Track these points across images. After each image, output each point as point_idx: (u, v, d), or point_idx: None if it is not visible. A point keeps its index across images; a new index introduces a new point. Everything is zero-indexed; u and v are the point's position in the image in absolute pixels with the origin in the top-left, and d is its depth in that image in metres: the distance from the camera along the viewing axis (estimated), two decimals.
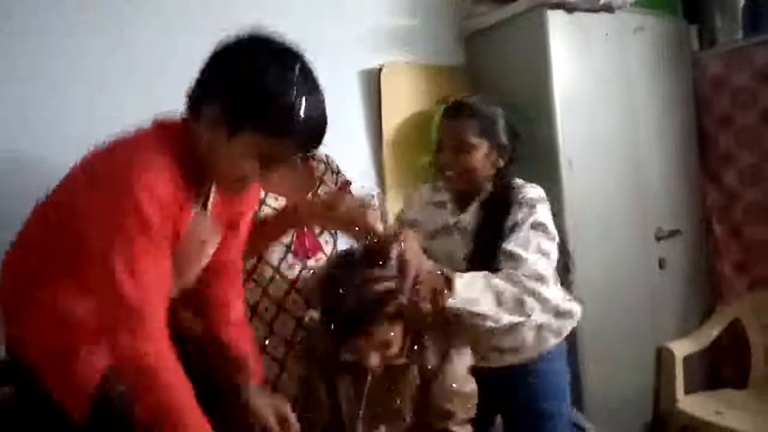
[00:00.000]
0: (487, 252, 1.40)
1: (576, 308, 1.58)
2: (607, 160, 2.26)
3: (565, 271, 2.09)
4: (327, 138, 2.16)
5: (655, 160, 2.43)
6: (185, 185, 1.00)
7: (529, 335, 1.48)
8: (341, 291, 1.19)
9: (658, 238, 2.41)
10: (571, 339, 2.08)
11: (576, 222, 2.12)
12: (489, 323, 1.29)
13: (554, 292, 1.44)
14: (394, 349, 1.24)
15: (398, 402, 1.29)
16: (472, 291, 1.26)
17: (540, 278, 1.33)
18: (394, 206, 2.13)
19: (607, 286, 2.21)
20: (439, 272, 1.26)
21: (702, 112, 2.61)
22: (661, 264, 2.42)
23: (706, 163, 2.62)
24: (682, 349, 2.37)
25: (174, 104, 1.06)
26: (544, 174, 2.13)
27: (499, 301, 1.29)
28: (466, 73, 2.44)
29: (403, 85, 2.23)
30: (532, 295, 1.31)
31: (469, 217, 1.50)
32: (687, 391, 2.34)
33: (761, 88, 2.42)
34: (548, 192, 2.08)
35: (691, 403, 2.29)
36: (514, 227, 1.39)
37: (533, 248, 1.35)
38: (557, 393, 1.55)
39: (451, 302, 1.23)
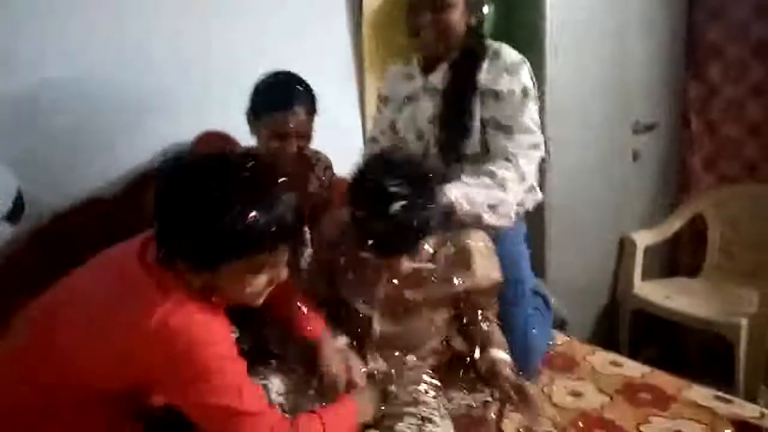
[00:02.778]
0: (455, 110, 1.42)
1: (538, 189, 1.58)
2: (593, 50, 2.20)
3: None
4: (304, 18, 2.07)
5: (642, 52, 2.37)
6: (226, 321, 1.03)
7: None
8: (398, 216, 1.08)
9: (635, 131, 2.43)
10: (539, 222, 2.17)
11: (557, 109, 2.10)
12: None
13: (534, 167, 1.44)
14: (423, 257, 1.23)
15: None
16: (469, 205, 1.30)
17: (535, 146, 1.40)
18: (373, 87, 2.08)
19: (580, 175, 2.24)
20: None
21: (694, 2, 2.51)
22: (635, 156, 2.45)
23: (692, 56, 2.57)
24: (643, 239, 2.48)
25: None
26: (528, 60, 2.08)
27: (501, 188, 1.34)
28: None
29: None
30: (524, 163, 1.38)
31: (437, 78, 1.48)
32: (644, 278, 2.48)
33: None
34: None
35: (645, 289, 2.44)
36: (501, 96, 1.39)
37: (528, 118, 1.40)
38: (519, 272, 1.60)
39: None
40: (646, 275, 2.50)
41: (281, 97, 1.41)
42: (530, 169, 1.39)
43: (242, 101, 1.51)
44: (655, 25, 2.40)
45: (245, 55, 1.84)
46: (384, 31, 2.13)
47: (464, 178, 1.35)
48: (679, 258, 2.77)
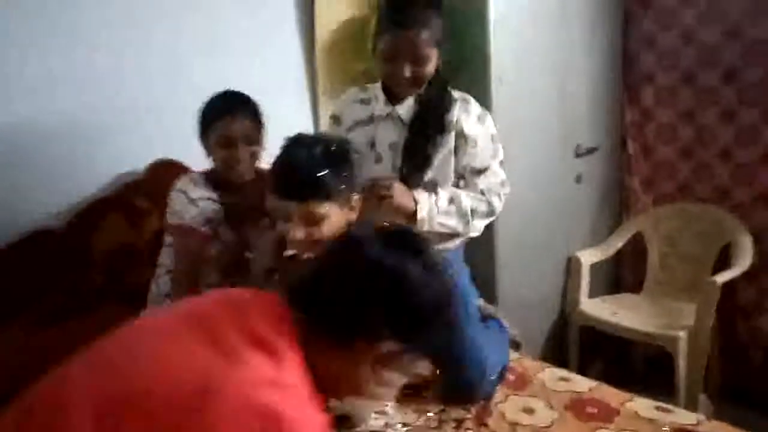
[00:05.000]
0: (420, 142, 1.54)
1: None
2: (536, 78, 2.31)
3: None
4: (256, 40, 2.09)
5: (582, 79, 2.51)
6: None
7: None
8: (295, 158, 1.28)
9: (577, 155, 2.55)
10: (490, 242, 2.25)
11: (503, 135, 2.16)
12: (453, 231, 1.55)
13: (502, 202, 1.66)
14: (324, 233, 1.29)
15: None
16: (439, 216, 1.49)
17: (503, 183, 1.63)
18: (327, 112, 2.12)
19: (526, 198, 2.33)
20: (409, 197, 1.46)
21: (628, 31, 2.68)
22: (578, 179, 2.57)
23: (628, 82, 2.73)
24: (589, 257, 2.59)
25: None
26: (474, 88, 2.16)
27: (465, 219, 1.54)
28: None
29: None
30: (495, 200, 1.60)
31: (404, 109, 1.57)
32: (591, 295, 2.58)
33: (683, 9, 2.50)
34: None
35: (591, 306, 2.54)
36: (475, 143, 1.56)
37: (498, 161, 1.63)
38: (463, 288, 1.67)
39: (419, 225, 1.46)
40: (593, 292, 2.60)
41: (223, 104, 1.52)
42: (499, 205, 1.61)
43: (194, 126, 1.53)
44: (593, 54, 2.54)
45: (197, 80, 1.85)
46: (337, 56, 2.18)
47: (439, 201, 1.50)
48: (622, 275, 2.89)
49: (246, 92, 1.57)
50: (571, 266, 2.59)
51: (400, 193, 1.44)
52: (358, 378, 0.88)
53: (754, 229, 2.39)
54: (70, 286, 1.57)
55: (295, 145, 1.32)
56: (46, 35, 1.60)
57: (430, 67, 1.48)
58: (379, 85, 1.61)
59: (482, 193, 1.58)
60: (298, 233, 1.29)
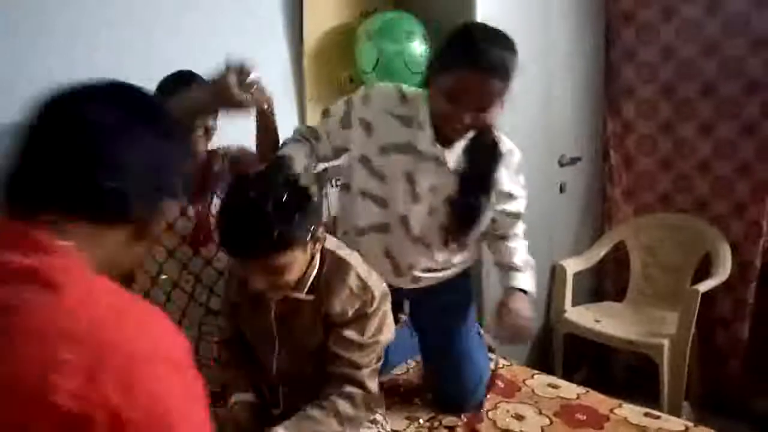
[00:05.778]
0: (470, 201, 1.44)
1: None
2: (522, 89, 2.31)
3: None
4: (244, 44, 2.07)
5: (566, 90, 2.54)
6: None
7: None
8: (242, 214, 1.11)
9: (561, 165, 2.58)
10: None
11: None
12: None
13: None
14: (288, 278, 1.17)
15: (302, 336, 1.28)
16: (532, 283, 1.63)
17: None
18: (314, 118, 2.11)
19: None
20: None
21: (610, 45, 2.73)
22: (562, 188, 2.60)
23: (609, 94, 2.78)
24: (573, 266, 2.61)
25: None
26: None
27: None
28: None
29: None
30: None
31: (453, 156, 1.43)
32: (574, 303, 2.60)
33: (663, 25, 2.56)
34: None
35: (576, 314, 2.55)
36: (514, 196, 1.60)
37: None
38: (467, 305, 1.71)
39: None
40: (576, 300, 2.62)
41: (176, 80, 1.51)
42: None
43: None
44: (576, 66, 2.58)
45: None
46: (325, 62, 2.17)
47: (527, 273, 1.64)
48: (604, 283, 2.93)
49: None
50: (556, 274, 2.60)
51: (520, 308, 1.52)
52: (139, 249, 0.82)
53: (732, 239, 2.44)
54: None
55: (241, 195, 1.11)
56: (46, 35, 1.56)
57: (494, 117, 1.34)
58: (425, 108, 1.41)
59: (523, 236, 1.69)
60: (259, 284, 1.17)
